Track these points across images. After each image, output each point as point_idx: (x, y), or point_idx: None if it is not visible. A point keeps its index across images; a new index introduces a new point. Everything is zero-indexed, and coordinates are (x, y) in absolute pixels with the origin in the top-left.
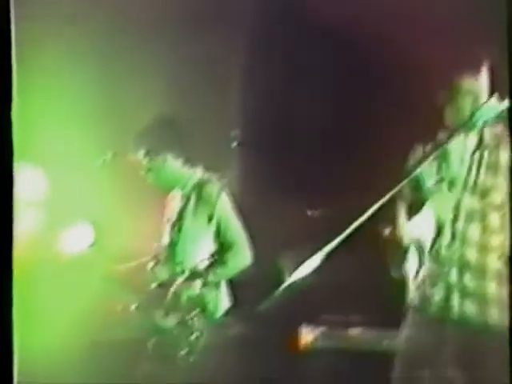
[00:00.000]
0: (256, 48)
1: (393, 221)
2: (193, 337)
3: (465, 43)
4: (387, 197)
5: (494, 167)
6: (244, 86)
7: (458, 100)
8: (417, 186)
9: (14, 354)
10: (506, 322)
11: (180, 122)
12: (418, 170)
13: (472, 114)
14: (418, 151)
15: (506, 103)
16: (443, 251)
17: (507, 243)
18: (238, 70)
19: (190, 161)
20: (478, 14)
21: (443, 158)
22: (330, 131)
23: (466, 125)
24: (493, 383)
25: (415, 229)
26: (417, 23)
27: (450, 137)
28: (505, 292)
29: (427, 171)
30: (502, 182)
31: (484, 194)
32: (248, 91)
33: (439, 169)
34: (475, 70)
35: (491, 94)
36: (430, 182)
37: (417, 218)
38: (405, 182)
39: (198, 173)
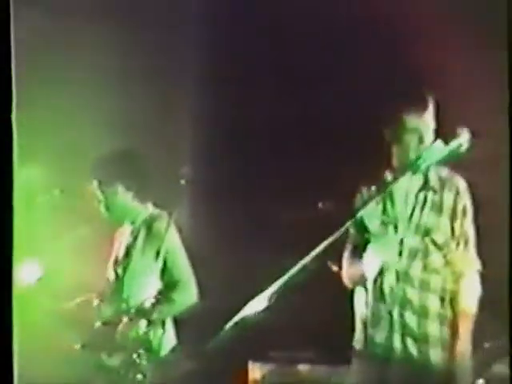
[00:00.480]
0: (206, 87)
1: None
2: (138, 376)
3: (411, 81)
4: (333, 237)
5: (437, 208)
6: (194, 123)
7: (403, 138)
8: (361, 227)
9: None
10: (447, 362)
11: (132, 156)
12: (363, 212)
13: (418, 155)
14: (364, 191)
15: (464, 137)
16: (386, 291)
17: (448, 285)
18: (188, 109)
19: (140, 195)
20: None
21: (388, 197)
22: (279, 170)
23: (412, 166)
24: None
25: (360, 269)
26: (359, 58)
27: (396, 178)
28: (445, 332)
29: (372, 213)
30: (445, 222)
31: (426, 233)
32: (198, 128)
33: (384, 208)
34: (421, 108)
35: (436, 135)
36: (374, 224)
37: (363, 257)
38: (349, 223)
39: (148, 208)
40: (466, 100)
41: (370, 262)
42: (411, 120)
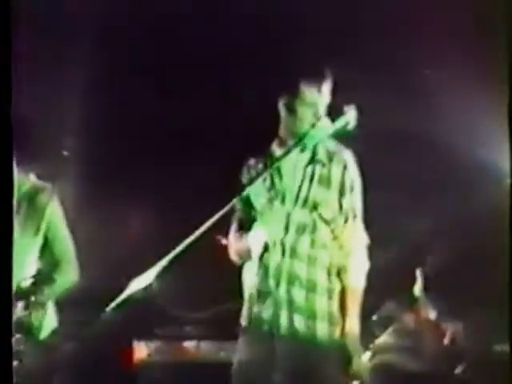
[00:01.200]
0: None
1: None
2: (16, 361)
3: (310, 54)
4: (220, 213)
5: (325, 182)
6: (80, 95)
7: (299, 111)
8: (247, 203)
9: None
10: (335, 336)
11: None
12: (249, 189)
13: (304, 133)
14: (252, 163)
15: (351, 114)
16: (273, 266)
17: (336, 260)
18: (76, 79)
19: (22, 166)
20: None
21: (276, 171)
22: (166, 141)
23: (299, 143)
24: None
25: (247, 245)
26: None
27: (286, 152)
28: (335, 306)
29: (258, 190)
30: (333, 196)
31: (314, 207)
32: (83, 101)
33: (272, 181)
34: (318, 81)
35: (329, 110)
36: (260, 201)
37: (249, 234)
38: (235, 200)
39: (30, 179)
40: (355, 76)
41: (255, 239)
42: (309, 93)
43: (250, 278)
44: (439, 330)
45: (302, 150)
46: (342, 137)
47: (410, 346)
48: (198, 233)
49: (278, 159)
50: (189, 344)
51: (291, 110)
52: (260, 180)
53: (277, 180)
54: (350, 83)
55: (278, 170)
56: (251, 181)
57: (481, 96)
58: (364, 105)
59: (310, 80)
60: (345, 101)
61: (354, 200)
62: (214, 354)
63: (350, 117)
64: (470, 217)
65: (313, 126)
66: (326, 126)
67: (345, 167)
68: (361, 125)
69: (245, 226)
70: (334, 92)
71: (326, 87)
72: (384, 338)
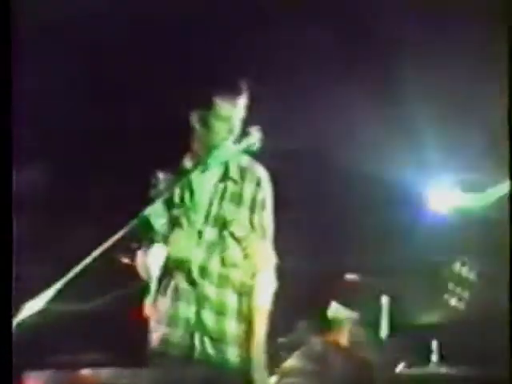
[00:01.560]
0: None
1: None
2: None
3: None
4: (121, 233)
5: (237, 199)
6: None
7: (212, 125)
8: (147, 224)
9: None
10: (244, 360)
11: None
12: (149, 210)
13: (208, 153)
14: (161, 178)
15: (255, 136)
16: (182, 287)
17: (246, 280)
18: None
19: None
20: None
21: (187, 186)
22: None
23: (203, 163)
24: None
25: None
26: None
27: (196, 166)
28: (242, 329)
29: (157, 211)
30: (244, 214)
31: (225, 225)
32: None
33: (182, 197)
34: (233, 94)
35: (244, 126)
36: (159, 221)
37: (150, 254)
38: (134, 221)
39: None
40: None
41: (153, 258)
42: (223, 106)
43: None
44: (352, 356)
45: (204, 171)
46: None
47: (317, 370)
48: (95, 253)
49: (190, 171)
50: (86, 372)
51: (204, 124)
52: (161, 200)
53: (187, 196)
54: (264, 97)
55: (190, 186)
56: (160, 193)
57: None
58: (276, 120)
59: (224, 93)
60: (258, 115)
61: (265, 218)
62: (115, 382)
63: (254, 138)
64: (383, 234)
65: (220, 145)
66: (230, 147)
67: (257, 184)
68: (273, 141)
69: (146, 245)
70: (249, 106)
71: (241, 101)
72: (291, 362)
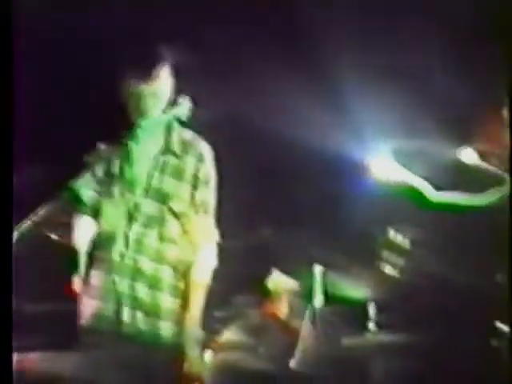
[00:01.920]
0: None
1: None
2: None
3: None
4: (48, 205)
5: (178, 174)
6: None
7: (138, 100)
8: (76, 196)
9: None
10: (178, 334)
11: None
12: (78, 182)
13: (138, 124)
14: (101, 149)
15: (184, 106)
16: (116, 261)
17: (184, 256)
18: None
19: None
20: None
21: (126, 159)
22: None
23: (133, 134)
24: None
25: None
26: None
27: (131, 139)
28: (177, 304)
29: (86, 183)
30: (185, 189)
31: (164, 200)
32: None
33: (121, 169)
34: (158, 67)
35: (176, 97)
36: (87, 193)
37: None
38: (64, 192)
39: None
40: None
41: (82, 232)
42: (149, 79)
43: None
44: (288, 328)
45: (137, 144)
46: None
47: (254, 343)
48: (24, 226)
49: (125, 144)
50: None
51: (131, 96)
52: (89, 172)
53: (126, 168)
54: (192, 70)
55: (129, 158)
56: (96, 162)
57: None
58: (207, 90)
59: (150, 66)
60: (186, 88)
61: (207, 194)
62: (49, 366)
63: (184, 108)
64: (324, 206)
65: (150, 115)
66: (159, 117)
67: (200, 160)
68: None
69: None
70: (176, 79)
71: (166, 73)
72: (227, 335)
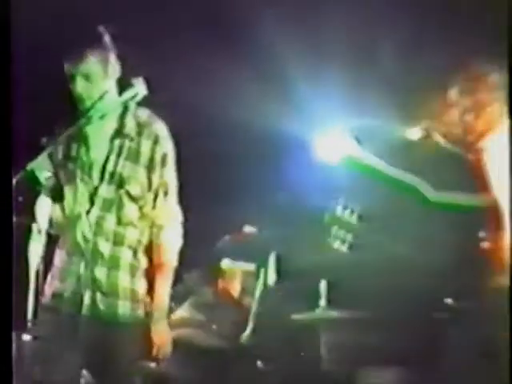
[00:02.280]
0: None
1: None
2: None
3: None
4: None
5: (134, 157)
6: None
7: (84, 80)
8: (33, 178)
9: None
10: (138, 314)
11: None
12: (33, 164)
13: (91, 105)
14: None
15: (138, 88)
16: (76, 243)
17: (145, 238)
18: None
19: None
20: None
21: (83, 142)
22: None
23: (85, 115)
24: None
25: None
26: None
27: (83, 122)
28: (137, 285)
29: (42, 164)
30: (141, 172)
31: (121, 183)
32: None
33: (78, 152)
34: (102, 51)
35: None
36: (43, 174)
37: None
38: (18, 175)
39: None
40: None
41: (41, 212)
42: (93, 62)
43: (36, 253)
44: (240, 305)
45: (88, 124)
46: (127, 109)
47: (206, 320)
48: None
49: (78, 127)
50: None
51: (76, 79)
52: (45, 153)
53: (83, 151)
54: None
55: (85, 140)
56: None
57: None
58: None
59: (94, 49)
60: (135, 72)
61: (166, 175)
62: None
63: (139, 88)
64: (273, 184)
65: (100, 97)
66: (114, 98)
67: (155, 141)
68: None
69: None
70: (124, 63)
71: (112, 57)
72: (180, 312)
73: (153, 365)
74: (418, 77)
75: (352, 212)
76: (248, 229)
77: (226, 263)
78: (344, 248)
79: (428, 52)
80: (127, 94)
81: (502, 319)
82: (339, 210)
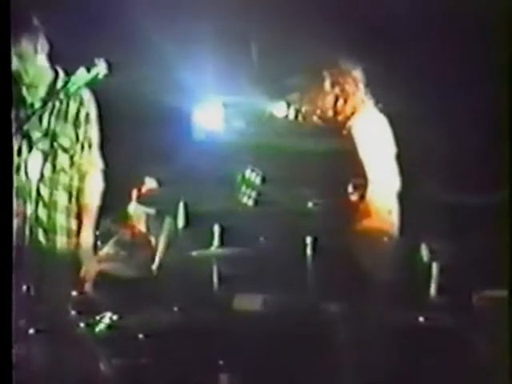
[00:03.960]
0: None
1: None
2: None
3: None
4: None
5: (63, 116)
6: None
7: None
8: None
9: None
10: (71, 247)
11: None
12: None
13: (67, 80)
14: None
15: (93, 73)
16: (21, 188)
17: (75, 183)
18: None
19: None
20: None
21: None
22: None
23: (63, 89)
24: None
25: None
26: None
27: (58, 90)
28: (72, 223)
29: (33, 124)
30: (69, 128)
31: (54, 137)
32: None
33: (40, 120)
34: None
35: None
36: (35, 135)
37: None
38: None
39: None
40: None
41: (33, 166)
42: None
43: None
44: (148, 241)
45: (67, 96)
46: (95, 84)
47: (127, 254)
48: None
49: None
50: None
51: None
52: (36, 116)
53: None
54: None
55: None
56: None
57: None
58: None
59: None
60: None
61: (90, 131)
62: None
63: (101, 68)
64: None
65: (71, 74)
66: (83, 75)
67: (81, 102)
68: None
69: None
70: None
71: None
72: (106, 249)
73: (78, 292)
74: (296, 68)
75: (257, 175)
76: (149, 181)
77: (131, 208)
78: (250, 202)
79: (298, 45)
80: (93, 72)
81: None
82: (248, 172)
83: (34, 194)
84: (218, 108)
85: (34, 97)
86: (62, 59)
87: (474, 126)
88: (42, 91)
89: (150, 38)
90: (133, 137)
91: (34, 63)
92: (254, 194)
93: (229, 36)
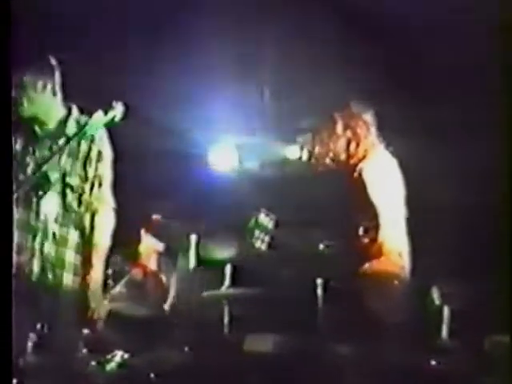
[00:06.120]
0: None
1: None
2: None
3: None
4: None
5: (73, 154)
6: None
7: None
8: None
9: None
10: (78, 285)
11: None
12: (46, 166)
13: (85, 123)
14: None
15: (109, 116)
16: (31, 224)
17: (85, 222)
18: None
19: None
20: None
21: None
22: None
23: (80, 132)
24: None
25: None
26: None
27: (75, 134)
28: (79, 260)
29: (53, 166)
30: (79, 167)
31: (64, 176)
32: None
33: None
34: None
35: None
36: (54, 176)
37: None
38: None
39: None
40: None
41: (49, 208)
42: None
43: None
44: (159, 280)
45: (84, 139)
46: (112, 126)
47: (137, 294)
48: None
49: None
50: None
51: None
52: (56, 157)
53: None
54: None
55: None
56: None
57: None
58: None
59: (35, 74)
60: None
61: (101, 169)
62: None
63: (118, 111)
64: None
65: (90, 117)
66: (100, 118)
67: (92, 140)
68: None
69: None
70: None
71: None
72: (118, 289)
73: (89, 330)
74: (308, 110)
75: (270, 219)
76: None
77: (142, 246)
78: (263, 246)
79: (306, 91)
80: (109, 115)
81: None
82: (261, 216)
83: (42, 230)
84: (231, 149)
85: (49, 137)
86: (76, 96)
87: (485, 170)
88: (53, 129)
89: (163, 80)
90: (145, 176)
91: (45, 99)
92: (267, 238)
93: (242, 78)
